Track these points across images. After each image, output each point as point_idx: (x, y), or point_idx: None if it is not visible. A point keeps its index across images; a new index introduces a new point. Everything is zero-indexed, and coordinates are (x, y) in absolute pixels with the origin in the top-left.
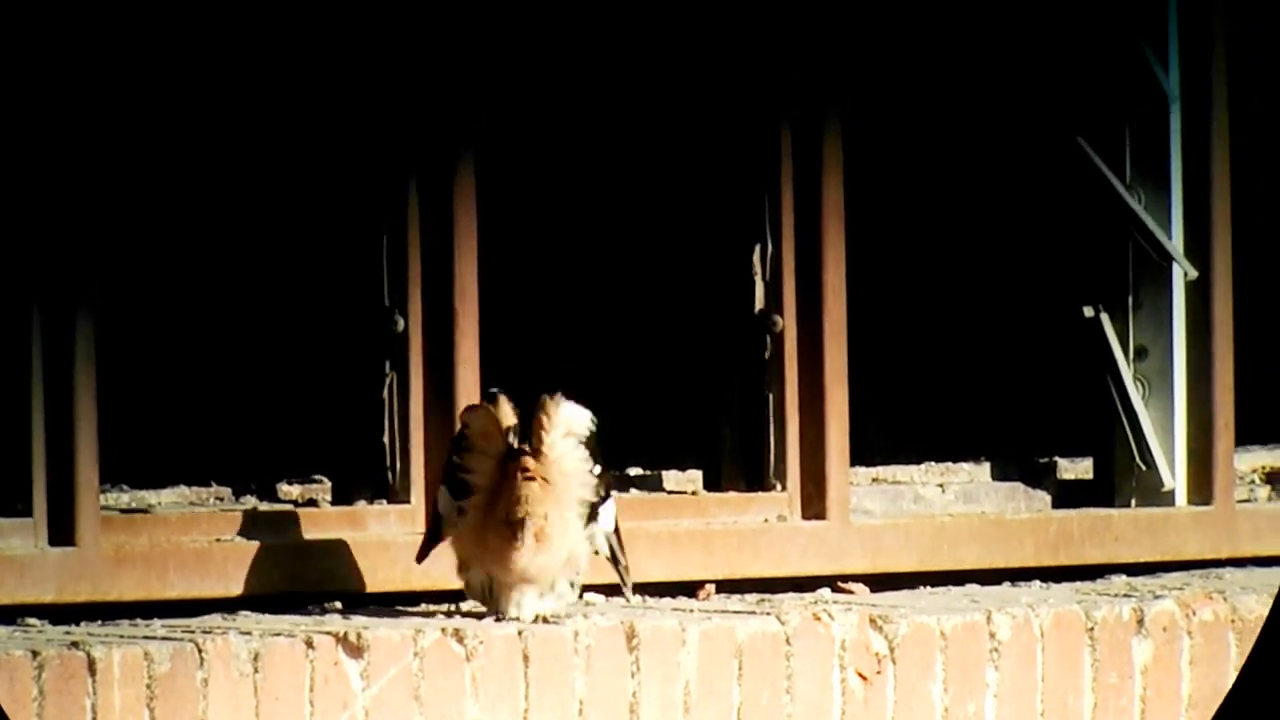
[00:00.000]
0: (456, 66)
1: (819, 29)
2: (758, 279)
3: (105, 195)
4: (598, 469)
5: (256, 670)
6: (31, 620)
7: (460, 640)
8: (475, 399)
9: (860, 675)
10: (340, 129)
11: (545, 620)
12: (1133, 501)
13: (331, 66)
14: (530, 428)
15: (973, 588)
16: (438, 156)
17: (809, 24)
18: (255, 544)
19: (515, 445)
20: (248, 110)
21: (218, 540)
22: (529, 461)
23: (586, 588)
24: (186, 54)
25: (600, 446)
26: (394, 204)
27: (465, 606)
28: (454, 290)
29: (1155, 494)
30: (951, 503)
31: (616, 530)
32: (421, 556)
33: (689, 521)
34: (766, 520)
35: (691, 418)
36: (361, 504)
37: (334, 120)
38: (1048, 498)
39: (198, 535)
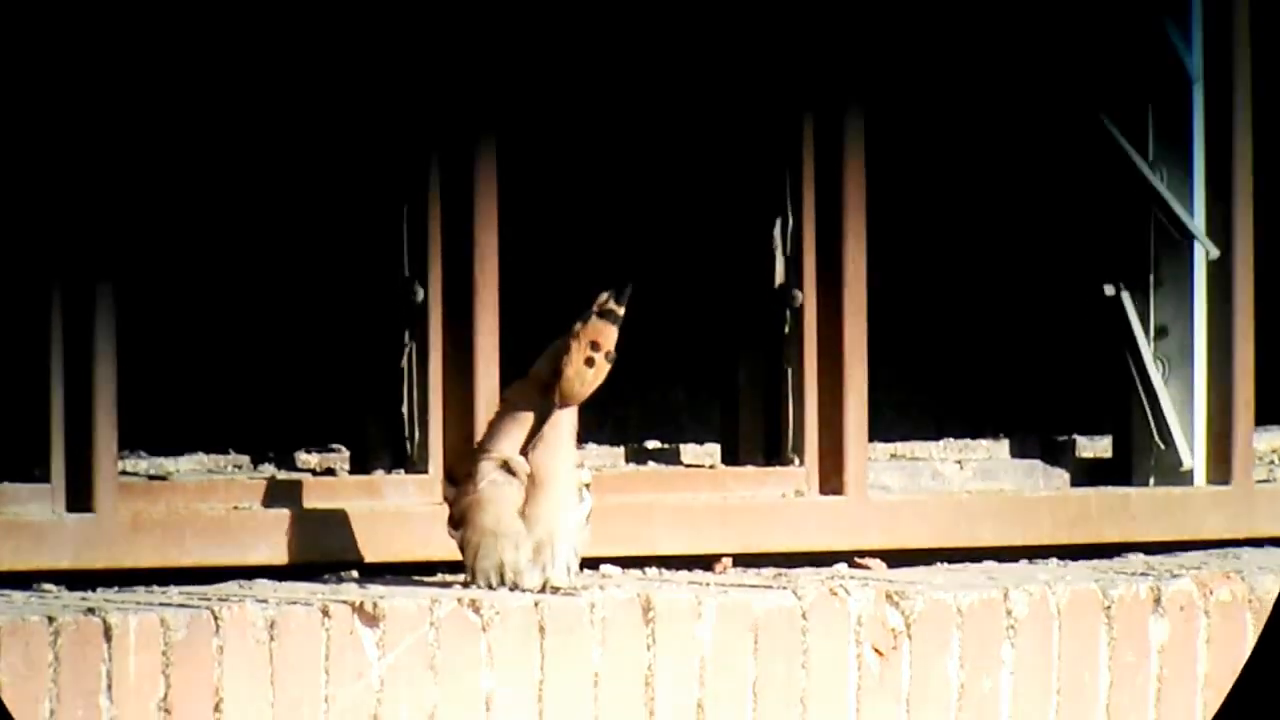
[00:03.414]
0: (479, 38)
1: (842, 4)
2: (778, 253)
3: (125, 163)
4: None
5: (272, 638)
6: (48, 586)
7: (476, 610)
8: (494, 369)
9: (876, 651)
10: (362, 99)
11: (556, 589)
12: (1151, 480)
13: (353, 38)
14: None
15: (990, 565)
16: (459, 128)
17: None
18: (273, 512)
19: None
20: (269, 80)
21: (235, 508)
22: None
23: (604, 560)
24: (210, 28)
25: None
26: (415, 175)
27: None
28: (474, 261)
29: (1174, 473)
30: (970, 479)
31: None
32: None
33: (706, 495)
34: (784, 495)
35: (710, 391)
36: (379, 473)
37: (355, 90)
38: (1066, 475)
39: (215, 503)
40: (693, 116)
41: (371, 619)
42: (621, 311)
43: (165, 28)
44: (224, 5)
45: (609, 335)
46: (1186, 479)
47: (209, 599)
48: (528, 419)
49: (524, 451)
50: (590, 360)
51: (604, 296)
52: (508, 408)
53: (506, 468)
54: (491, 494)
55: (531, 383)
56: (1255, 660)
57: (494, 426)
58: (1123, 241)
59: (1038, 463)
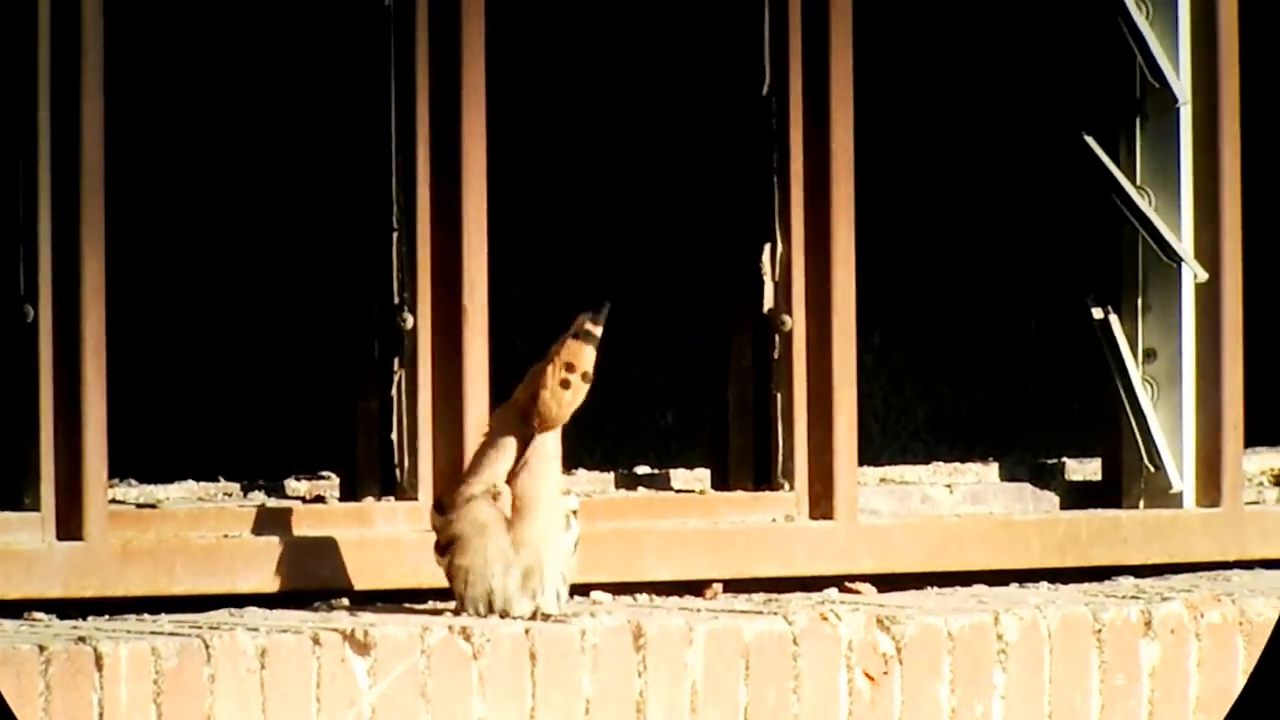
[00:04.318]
0: (470, 63)
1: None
2: (767, 279)
3: (114, 186)
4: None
5: (263, 667)
6: (38, 615)
7: (467, 638)
8: (484, 397)
9: (867, 676)
10: (350, 124)
11: (546, 617)
12: (1141, 503)
13: (339, 63)
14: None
15: (980, 589)
16: (448, 152)
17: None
18: (263, 540)
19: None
20: (259, 106)
21: (226, 536)
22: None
23: (594, 586)
24: (197, 56)
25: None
26: (404, 201)
27: None
28: (463, 288)
29: (1163, 496)
30: (959, 503)
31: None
32: None
33: (696, 521)
34: (774, 520)
35: (700, 417)
36: (369, 501)
37: (344, 115)
38: (1055, 499)
39: (206, 531)
40: (684, 141)
41: (362, 647)
42: (599, 332)
43: (152, 66)
44: (214, 46)
45: (585, 356)
46: (1176, 501)
47: (199, 627)
48: (511, 445)
49: (509, 478)
50: (566, 382)
51: (581, 318)
52: (491, 435)
53: (491, 495)
54: (478, 522)
55: (512, 409)
56: (1251, 687)
57: (478, 455)
58: (1112, 264)
59: (1027, 486)
